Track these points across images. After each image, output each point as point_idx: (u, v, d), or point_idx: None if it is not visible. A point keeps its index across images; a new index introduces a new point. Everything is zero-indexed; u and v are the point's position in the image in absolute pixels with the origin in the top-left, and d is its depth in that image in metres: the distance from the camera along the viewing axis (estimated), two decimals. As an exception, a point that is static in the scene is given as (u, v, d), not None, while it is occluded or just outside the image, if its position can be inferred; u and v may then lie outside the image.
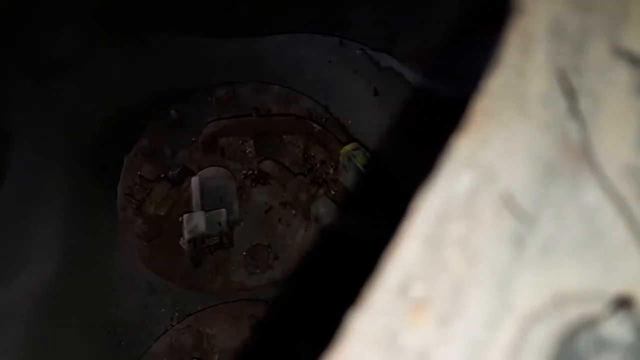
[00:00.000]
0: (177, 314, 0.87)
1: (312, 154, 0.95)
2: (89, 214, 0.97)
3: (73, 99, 1.01)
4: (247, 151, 0.95)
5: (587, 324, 0.19)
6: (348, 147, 0.86)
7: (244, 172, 0.95)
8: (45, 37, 0.99)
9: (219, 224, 0.84)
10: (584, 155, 0.21)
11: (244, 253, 0.88)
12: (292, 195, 0.84)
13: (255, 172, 0.94)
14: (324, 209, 0.81)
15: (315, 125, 0.91)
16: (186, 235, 0.83)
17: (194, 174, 0.93)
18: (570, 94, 0.22)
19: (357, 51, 1.04)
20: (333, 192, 0.90)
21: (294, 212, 0.89)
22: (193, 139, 0.99)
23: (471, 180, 0.21)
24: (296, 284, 0.85)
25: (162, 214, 0.90)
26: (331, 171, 0.93)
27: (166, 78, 1.09)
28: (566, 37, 0.23)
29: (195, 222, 0.84)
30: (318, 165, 0.94)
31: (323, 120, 0.98)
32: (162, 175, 0.93)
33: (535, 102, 0.22)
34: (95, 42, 1.05)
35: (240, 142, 0.96)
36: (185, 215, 0.85)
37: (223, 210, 0.86)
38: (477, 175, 0.21)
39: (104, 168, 1.00)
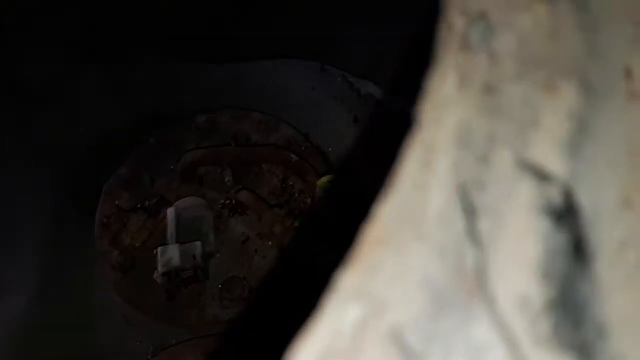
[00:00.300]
0: (152, 348, 0.86)
1: (291, 184, 0.94)
2: (67, 245, 0.96)
3: (54, 124, 1.01)
4: (225, 180, 0.95)
5: None
6: (324, 179, 0.85)
7: (222, 201, 0.94)
8: (27, 62, 0.98)
9: (194, 257, 0.84)
10: (478, 284, 0.20)
11: (220, 286, 0.87)
12: (267, 227, 0.84)
13: (233, 202, 0.93)
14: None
15: (293, 156, 0.90)
16: (160, 269, 0.83)
17: (172, 204, 0.92)
18: (470, 212, 0.21)
19: (338, 78, 1.03)
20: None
21: (270, 243, 0.88)
22: (172, 167, 0.98)
23: (358, 314, 0.20)
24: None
25: (137, 245, 0.90)
26: (309, 201, 0.92)
27: (149, 102, 1.08)
28: (471, 147, 0.23)
29: (170, 255, 0.83)
30: (296, 195, 0.93)
31: (302, 149, 0.97)
32: (139, 206, 0.92)
33: (432, 222, 0.21)
34: (78, 66, 1.04)
35: (219, 171, 0.95)
36: (159, 248, 0.85)
37: (198, 243, 0.85)
38: (365, 308, 0.20)
39: (84, 197, 1.00)
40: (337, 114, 1.01)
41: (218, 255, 0.89)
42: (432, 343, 0.19)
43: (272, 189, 0.94)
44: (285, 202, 0.90)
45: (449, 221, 0.21)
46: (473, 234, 0.21)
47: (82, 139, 1.05)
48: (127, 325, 0.89)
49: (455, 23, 0.26)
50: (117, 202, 0.95)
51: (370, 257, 0.21)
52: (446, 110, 0.24)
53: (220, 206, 0.94)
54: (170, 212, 0.89)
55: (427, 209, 0.21)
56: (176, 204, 0.92)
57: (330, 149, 1.01)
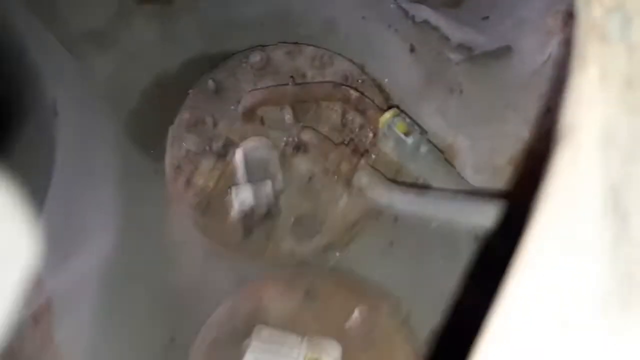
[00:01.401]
0: (233, 281, 0.93)
1: (351, 119, 0.96)
2: (141, 186, 1.01)
3: (111, 69, 1.03)
4: (286, 118, 0.97)
5: None
6: (387, 114, 0.86)
7: (285, 140, 0.97)
8: (79, 10, 1.00)
9: (266, 195, 0.88)
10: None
11: (292, 220, 0.92)
12: (334, 166, 0.86)
13: (296, 140, 0.95)
14: (366, 180, 0.83)
15: (352, 91, 0.91)
16: (236, 207, 0.88)
17: (237, 145, 0.96)
18: (622, 213, 0.23)
19: (391, 5, 1.01)
20: (375, 157, 0.92)
21: (335, 178, 0.92)
22: (232, 107, 1.01)
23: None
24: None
25: (210, 185, 0.94)
26: (370, 135, 0.94)
27: (198, 44, 1.09)
28: (617, 146, 0.24)
29: (244, 194, 0.88)
30: (357, 130, 0.95)
31: (359, 82, 0.98)
32: (207, 148, 0.95)
33: (586, 226, 0.23)
34: (127, 10, 1.05)
35: (279, 110, 0.97)
36: (233, 188, 0.89)
37: (268, 181, 0.89)
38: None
39: (150, 139, 1.04)
40: (392, 44, 1.00)
41: (286, 192, 0.93)
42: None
43: (332, 125, 0.96)
44: (349, 141, 0.92)
45: (602, 223, 0.23)
46: (627, 234, 0.23)
47: (139, 83, 1.07)
48: (208, 260, 0.96)
49: (592, 14, 0.27)
50: (185, 145, 0.98)
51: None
52: (590, 108, 0.25)
53: (284, 144, 0.96)
54: (238, 153, 0.92)
55: (579, 212, 0.24)
56: (242, 144, 0.95)
57: (386, 80, 1.01)
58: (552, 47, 0.95)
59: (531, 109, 0.90)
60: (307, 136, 0.91)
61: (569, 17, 0.98)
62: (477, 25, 1.06)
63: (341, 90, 0.91)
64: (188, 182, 0.95)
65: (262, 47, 1.05)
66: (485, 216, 0.68)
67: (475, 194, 0.73)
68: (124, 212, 0.99)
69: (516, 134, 0.90)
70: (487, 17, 1.09)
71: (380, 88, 0.99)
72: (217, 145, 0.96)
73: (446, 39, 0.97)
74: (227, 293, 0.92)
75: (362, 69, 1.00)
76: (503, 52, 0.99)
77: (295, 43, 1.04)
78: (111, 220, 0.98)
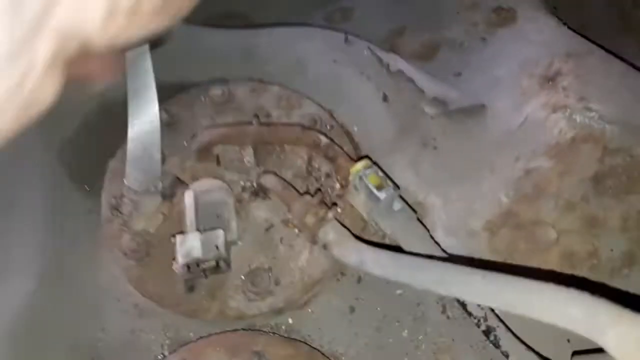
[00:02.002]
0: (168, 342, 0.80)
1: (317, 167, 0.87)
2: (71, 224, 0.88)
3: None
4: (245, 160, 0.87)
5: None
6: (359, 165, 0.78)
7: (242, 184, 0.87)
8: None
9: (216, 247, 0.77)
10: None
11: (243, 277, 0.81)
12: (298, 218, 0.77)
13: (255, 184, 0.86)
14: (334, 236, 0.74)
15: (322, 137, 0.83)
16: (180, 260, 0.76)
17: (187, 186, 0.85)
18: None
19: (365, 51, 0.95)
20: (341, 211, 0.83)
21: (296, 231, 0.82)
22: (185, 143, 0.90)
23: None
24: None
25: (151, 230, 0.82)
26: (337, 186, 0.86)
27: (155, 70, 0.99)
28: None
29: (190, 244, 0.76)
30: (323, 179, 0.87)
31: (329, 128, 0.90)
32: (152, 187, 0.84)
33: None
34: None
35: (238, 150, 0.88)
36: (178, 237, 0.77)
37: (220, 231, 0.78)
38: None
39: (86, 172, 0.91)
40: (364, 91, 0.94)
41: (240, 243, 0.83)
42: None
43: (296, 172, 0.87)
44: (316, 190, 0.83)
45: None
46: None
47: (79, 108, 0.96)
48: (140, 316, 0.83)
49: None
50: (126, 182, 0.86)
51: None
52: None
53: (240, 189, 0.87)
54: (188, 196, 0.81)
55: None
56: (193, 185, 0.84)
57: (356, 128, 0.94)
58: (530, 109, 0.91)
59: (508, 171, 0.85)
60: (268, 182, 0.82)
61: (545, 81, 0.95)
62: (449, 81, 1.02)
63: (310, 135, 0.83)
64: (125, 225, 0.82)
65: (225, 81, 0.96)
66: (467, 290, 0.60)
67: (454, 261, 0.65)
68: (48, 254, 0.85)
69: (492, 196, 0.84)
70: (459, 74, 1.05)
71: (350, 136, 0.92)
72: (163, 184, 0.85)
73: (421, 91, 0.92)
74: (161, 357, 0.79)
75: (331, 114, 0.93)
76: (477, 110, 0.94)
77: (261, 81, 0.96)
78: (33, 261, 0.84)
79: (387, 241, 0.83)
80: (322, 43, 0.98)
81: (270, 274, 0.81)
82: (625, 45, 1.27)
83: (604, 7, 1.30)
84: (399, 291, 0.84)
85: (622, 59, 1.02)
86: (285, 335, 0.81)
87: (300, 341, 0.80)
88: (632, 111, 0.85)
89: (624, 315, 0.50)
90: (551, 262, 0.77)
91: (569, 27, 1.09)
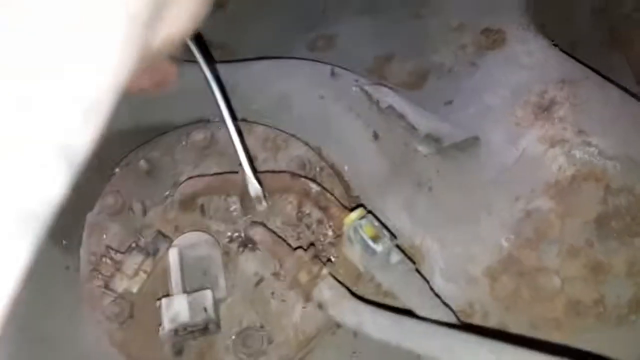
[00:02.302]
0: (156, 410, 0.76)
1: (307, 213, 0.83)
2: (47, 284, 0.83)
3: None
4: (231, 209, 0.83)
5: None
6: (353, 215, 0.74)
7: (229, 234, 0.82)
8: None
9: (205, 309, 0.73)
10: None
11: (233, 337, 0.76)
12: (290, 275, 0.73)
13: (242, 235, 0.81)
14: (329, 295, 0.70)
15: (312, 184, 0.79)
16: (167, 326, 0.71)
17: (170, 241, 0.80)
18: None
19: (353, 88, 0.91)
20: (334, 260, 0.79)
21: (289, 286, 0.78)
22: (167, 192, 0.85)
23: None
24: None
25: (134, 290, 0.77)
26: (330, 233, 0.82)
27: (128, 112, 0.94)
28: None
29: (177, 309, 0.72)
30: (314, 226, 0.82)
31: (318, 169, 0.86)
32: (134, 245, 0.79)
33: None
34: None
35: (223, 198, 0.83)
36: (163, 301, 0.73)
37: (208, 292, 0.74)
38: None
39: (63, 227, 0.86)
40: (353, 129, 0.90)
41: (229, 300, 0.78)
42: None
43: (286, 219, 0.83)
44: (309, 244, 0.79)
45: None
46: None
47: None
48: (126, 382, 0.78)
49: None
50: (105, 237, 0.82)
51: None
52: None
53: (227, 240, 0.82)
54: (172, 254, 0.76)
55: None
56: (177, 241, 0.79)
57: (346, 168, 0.90)
58: (527, 142, 0.88)
59: (507, 212, 0.82)
60: (257, 235, 0.77)
61: (540, 110, 0.92)
62: (440, 110, 0.99)
63: (300, 183, 0.79)
64: (106, 286, 0.77)
65: (206, 122, 0.91)
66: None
67: (461, 328, 0.62)
68: (22, 317, 0.79)
69: (492, 240, 0.81)
70: (450, 102, 1.02)
71: (340, 177, 0.88)
72: (145, 239, 0.80)
73: (413, 128, 0.88)
74: None
75: (319, 153, 0.89)
76: (471, 144, 0.91)
77: (244, 120, 0.91)
78: (6, 325, 0.79)
79: (383, 289, 0.80)
80: (307, 78, 0.94)
81: (262, 333, 0.76)
82: (614, 62, 1.24)
83: (593, 23, 1.28)
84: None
85: (616, 84, 0.99)
86: (281, 395, 0.77)
87: (297, 401, 0.76)
88: (632, 145, 0.82)
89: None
90: (556, 311, 0.74)
91: (559, 49, 1.06)
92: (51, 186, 0.23)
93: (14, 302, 0.25)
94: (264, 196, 0.76)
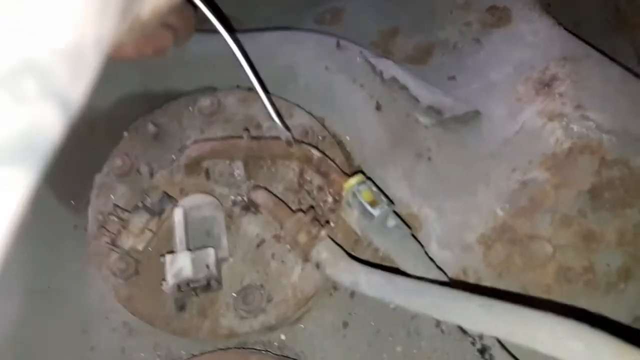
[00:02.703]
0: (159, 361, 0.79)
1: (309, 180, 0.85)
2: (56, 242, 0.86)
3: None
4: (235, 174, 0.85)
5: None
6: (352, 180, 0.76)
7: (232, 198, 0.85)
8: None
9: (207, 266, 0.75)
10: None
11: (234, 294, 0.79)
12: (290, 236, 0.75)
13: (245, 199, 0.84)
14: (327, 255, 0.73)
15: (314, 151, 0.81)
16: (170, 280, 0.74)
17: (176, 202, 0.83)
18: None
19: (358, 58, 0.93)
20: (334, 225, 0.82)
21: (289, 246, 0.81)
22: (173, 156, 0.88)
23: None
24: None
25: (140, 248, 0.80)
26: (330, 200, 0.84)
27: (138, 78, 0.96)
28: None
29: (180, 264, 0.75)
30: (315, 193, 0.85)
31: (321, 138, 0.88)
32: (140, 203, 0.82)
33: None
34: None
35: (227, 163, 0.86)
36: (167, 256, 0.76)
37: (211, 250, 0.76)
38: None
39: (72, 187, 0.89)
40: (357, 99, 0.91)
41: (231, 259, 0.81)
42: None
43: (287, 185, 0.85)
44: (309, 207, 0.81)
45: None
46: None
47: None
48: (130, 335, 0.81)
49: None
50: (113, 198, 0.84)
51: None
52: None
53: (231, 203, 0.85)
54: (177, 213, 0.79)
55: None
56: (182, 202, 0.82)
57: (348, 137, 0.92)
58: (526, 117, 0.90)
59: (504, 183, 0.84)
60: (259, 198, 0.80)
61: (541, 86, 0.93)
62: (443, 85, 1.00)
63: (302, 150, 0.81)
64: (113, 242, 0.80)
65: (213, 89, 0.93)
66: (464, 317, 0.59)
67: (453, 287, 0.64)
68: (33, 273, 0.83)
69: (487, 209, 0.83)
70: (453, 77, 1.03)
71: (342, 146, 0.90)
72: (152, 200, 0.83)
73: (415, 99, 0.89)
74: (152, 377, 0.78)
75: (322, 123, 0.91)
76: (472, 117, 0.92)
77: (251, 89, 0.93)
78: (17, 281, 0.82)
79: (380, 254, 0.82)
80: (313, 49, 0.96)
81: (262, 291, 0.79)
82: (619, 43, 1.25)
83: (598, 4, 1.28)
84: (392, 305, 0.82)
85: (618, 63, 1.00)
86: (278, 352, 0.80)
87: (293, 358, 0.79)
88: (630, 120, 0.84)
89: (625, 350, 0.49)
90: (547, 277, 0.76)
91: (564, 28, 1.07)
92: (45, 120, 0.24)
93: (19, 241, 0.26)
94: (293, 139, 0.78)
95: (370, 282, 0.68)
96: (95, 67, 0.26)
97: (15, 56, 0.22)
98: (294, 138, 0.81)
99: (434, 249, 0.83)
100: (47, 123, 0.23)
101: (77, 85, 0.25)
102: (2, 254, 0.24)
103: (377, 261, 0.83)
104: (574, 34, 1.06)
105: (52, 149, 0.24)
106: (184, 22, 0.49)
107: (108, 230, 0.81)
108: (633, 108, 0.87)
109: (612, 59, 1.00)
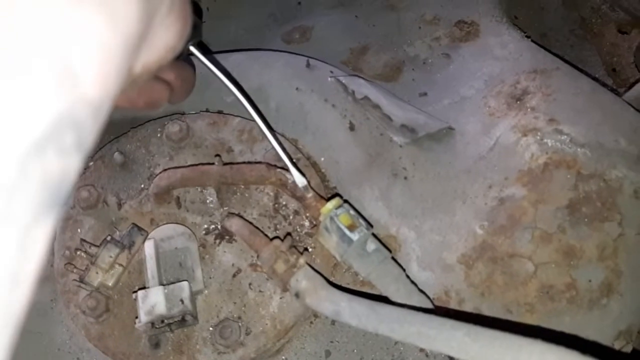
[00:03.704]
0: (134, 403, 0.75)
1: (284, 204, 0.83)
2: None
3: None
4: (207, 201, 0.82)
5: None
6: (329, 205, 0.74)
7: (205, 226, 0.82)
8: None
9: (181, 301, 0.72)
10: None
11: (211, 328, 0.76)
12: (267, 266, 0.73)
13: (219, 227, 0.81)
14: (307, 285, 0.70)
15: (289, 175, 0.79)
16: (143, 318, 0.71)
17: (146, 233, 0.80)
18: None
19: (329, 78, 0.91)
20: (312, 250, 0.80)
21: (266, 275, 0.78)
22: (142, 186, 0.85)
23: None
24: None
25: (110, 284, 0.77)
26: (306, 223, 0.82)
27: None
28: None
29: (153, 301, 0.71)
30: (291, 217, 0.83)
31: (295, 161, 0.86)
32: (109, 238, 0.78)
33: None
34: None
35: (199, 190, 0.83)
36: (139, 293, 0.72)
37: (185, 283, 0.73)
38: None
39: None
40: (329, 120, 0.90)
41: (206, 292, 0.78)
42: None
43: (262, 210, 0.83)
44: (286, 234, 0.79)
45: None
46: None
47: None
48: (103, 376, 0.77)
49: None
50: (80, 232, 0.81)
51: None
52: None
53: (204, 232, 0.82)
54: (148, 247, 0.76)
55: None
56: (153, 233, 0.79)
57: (322, 159, 0.90)
58: (500, 132, 0.89)
59: (481, 200, 0.83)
60: (234, 227, 0.77)
61: (513, 100, 0.93)
62: (415, 102, 0.99)
63: (276, 174, 0.79)
64: (81, 279, 0.76)
65: (181, 114, 0.90)
66: (450, 346, 0.57)
67: (437, 313, 0.62)
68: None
69: (466, 228, 0.82)
70: (425, 93, 1.03)
71: (316, 167, 0.88)
72: (120, 232, 0.79)
73: (388, 118, 0.88)
74: (127, 422, 0.74)
75: (295, 144, 0.89)
76: (446, 134, 0.92)
77: (220, 112, 0.91)
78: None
79: (361, 278, 0.80)
80: (283, 69, 0.94)
81: (240, 324, 0.76)
82: (585, 52, 1.27)
83: (564, 15, 1.30)
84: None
85: (586, 73, 1.01)
86: (259, 386, 0.77)
87: (276, 391, 0.76)
88: (602, 132, 0.84)
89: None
90: (529, 296, 0.76)
91: (532, 40, 1.08)
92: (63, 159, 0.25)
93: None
94: (310, 186, 0.75)
95: (353, 312, 0.66)
96: (106, 117, 0.28)
97: (60, 108, 0.24)
98: (268, 164, 0.79)
99: (414, 270, 0.82)
100: (73, 172, 0.25)
101: (94, 134, 0.27)
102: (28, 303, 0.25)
103: (358, 285, 0.82)
104: (542, 46, 1.07)
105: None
106: (181, 80, 0.50)
107: (75, 267, 0.77)
108: (604, 120, 0.87)
109: (581, 70, 1.01)
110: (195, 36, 0.55)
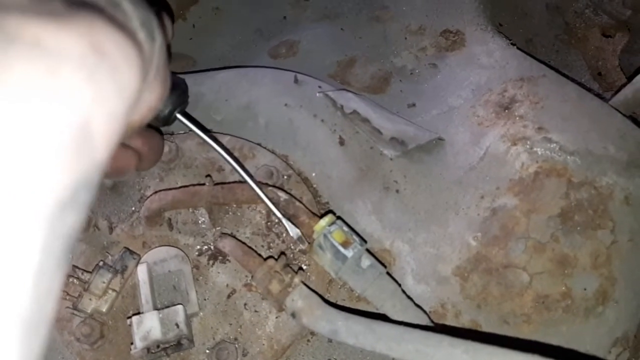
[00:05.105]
0: None
1: (277, 221, 0.83)
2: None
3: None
4: (199, 222, 0.82)
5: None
6: (322, 222, 0.74)
7: (198, 247, 0.81)
8: None
9: (177, 325, 0.72)
10: None
11: (207, 351, 0.75)
12: (262, 286, 0.72)
13: (212, 247, 0.81)
14: (302, 304, 0.70)
15: (281, 193, 0.79)
16: (138, 344, 0.70)
17: (138, 257, 0.79)
18: None
19: (317, 94, 0.91)
20: (306, 268, 0.79)
21: (261, 295, 0.77)
22: (133, 208, 0.84)
23: None
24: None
25: (104, 310, 0.76)
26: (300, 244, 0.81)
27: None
28: None
29: (148, 326, 0.71)
30: (284, 235, 0.82)
31: (286, 177, 0.86)
32: (101, 263, 0.77)
33: None
34: None
35: (191, 211, 0.82)
36: (134, 318, 0.71)
37: (180, 307, 0.73)
38: None
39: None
40: (319, 135, 0.90)
41: (201, 314, 0.77)
42: None
43: (255, 229, 0.82)
44: (280, 253, 0.79)
45: None
46: None
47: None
48: (99, 404, 0.76)
49: None
50: (71, 258, 0.80)
51: None
52: None
53: (197, 253, 0.81)
54: (141, 271, 0.75)
55: None
56: (145, 257, 0.78)
57: (314, 174, 0.90)
58: (489, 141, 0.90)
59: (473, 211, 0.83)
60: (227, 247, 0.76)
61: (501, 109, 0.93)
62: (404, 113, 1.00)
63: (268, 192, 0.78)
64: (75, 306, 0.76)
65: (170, 134, 0.90)
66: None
67: (435, 329, 0.62)
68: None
69: (460, 240, 0.82)
70: (413, 104, 1.03)
71: (308, 183, 0.88)
72: (113, 257, 0.79)
73: (378, 131, 0.88)
74: None
75: (286, 160, 0.88)
76: (435, 145, 0.92)
77: (210, 131, 0.90)
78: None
79: (356, 294, 0.80)
80: (271, 86, 0.93)
81: (236, 345, 0.76)
82: (571, 57, 1.28)
83: (548, 21, 1.31)
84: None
85: (572, 79, 1.02)
86: (258, 407, 0.76)
87: (275, 412, 0.76)
88: (591, 139, 0.85)
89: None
90: (525, 306, 0.76)
91: (517, 47, 1.08)
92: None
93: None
94: (304, 239, 0.75)
95: (350, 331, 0.65)
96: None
97: (79, 172, 0.28)
98: (259, 182, 0.78)
99: (409, 284, 0.81)
100: (81, 224, 0.28)
101: (97, 189, 0.30)
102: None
103: (354, 301, 0.81)
104: (528, 53, 1.08)
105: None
106: (149, 148, 0.50)
107: (68, 294, 0.76)
108: (592, 127, 0.88)
109: (567, 76, 1.01)
110: (182, 103, 0.58)
